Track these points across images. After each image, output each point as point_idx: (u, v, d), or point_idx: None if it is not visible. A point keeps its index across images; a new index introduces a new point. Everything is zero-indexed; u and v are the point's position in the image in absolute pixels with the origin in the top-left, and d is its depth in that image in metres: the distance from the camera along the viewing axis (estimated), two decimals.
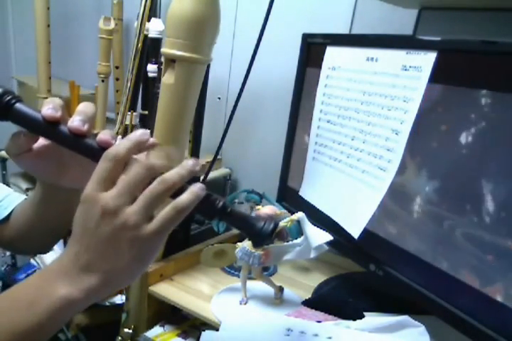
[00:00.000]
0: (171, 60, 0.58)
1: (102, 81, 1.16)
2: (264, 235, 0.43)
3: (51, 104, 0.42)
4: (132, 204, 0.38)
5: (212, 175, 1.05)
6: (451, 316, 0.57)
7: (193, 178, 0.40)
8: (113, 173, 0.38)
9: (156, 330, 0.79)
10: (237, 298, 0.73)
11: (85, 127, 0.42)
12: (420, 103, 0.58)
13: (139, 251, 0.38)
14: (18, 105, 0.42)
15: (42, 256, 1.26)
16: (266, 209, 0.69)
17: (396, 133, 0.62)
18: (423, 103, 0.58)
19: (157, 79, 0.90)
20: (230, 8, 1.06)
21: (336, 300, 0.74)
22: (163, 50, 0.58)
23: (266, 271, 0.83)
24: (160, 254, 0.82)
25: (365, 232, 0.66)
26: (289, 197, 0.90)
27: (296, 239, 0.70)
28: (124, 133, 1.06)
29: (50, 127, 0.42)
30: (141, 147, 0.40)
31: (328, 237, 0.65)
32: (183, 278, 0.83)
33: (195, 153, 0.92)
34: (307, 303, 0.73)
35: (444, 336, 0.61)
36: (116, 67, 1.22)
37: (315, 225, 0.67)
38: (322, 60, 0.76)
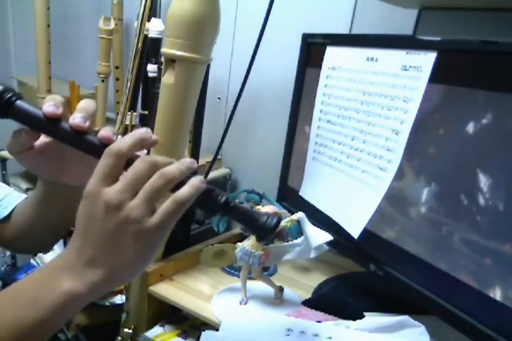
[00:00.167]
0: (171, 60, 0.58)
1: (102, 81, 1.16)
2: (267, 229, 0.43)
3: (52, 101, 0.42)
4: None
5: (212, 175, 1.06)
6: (451, 316, 0.57)
7: (193, 173, 0.40)
8: (115, 169, 0.38)
9: (156, 330, 0.79)
10: (237, 298, 0.73)
11: (87, 124, 0.42)
12: (420, 103, 0.58)
13: (142, 244, 0.38)
14: (19, 102, 0.42)
15: (42, 256, 1.26)
16: (266, 209, 0.69)
17: (396, 133, 0.62)
18: (423, 103, 0.58)
19: (157, 79, 0.90)
20: (230, 8, 1.06)
21: (336, 300, 0.74)
22: (163, 50, 0.58)
23: (266, 271, 0.83)
24: (160, 254, 0.82)
25: (365, 232, 0.66)
26: (289, 197, 0.90)
27: (296, 239, 0.70)
28: (124, 133, 1.06)
29: (51, 124, 0.42)
30: (143, 144, 0.40)
31: (328, 237, 0.65)
32: (183, 278, 0.83)
33: (195, 153, 0.92)
34: (307, 303, 0.73)
35: (444, 336, 0.61)
36: (116, 67, 1.22)
37: (315, 225, 0.67)
38: (322, 60, 0.76)
